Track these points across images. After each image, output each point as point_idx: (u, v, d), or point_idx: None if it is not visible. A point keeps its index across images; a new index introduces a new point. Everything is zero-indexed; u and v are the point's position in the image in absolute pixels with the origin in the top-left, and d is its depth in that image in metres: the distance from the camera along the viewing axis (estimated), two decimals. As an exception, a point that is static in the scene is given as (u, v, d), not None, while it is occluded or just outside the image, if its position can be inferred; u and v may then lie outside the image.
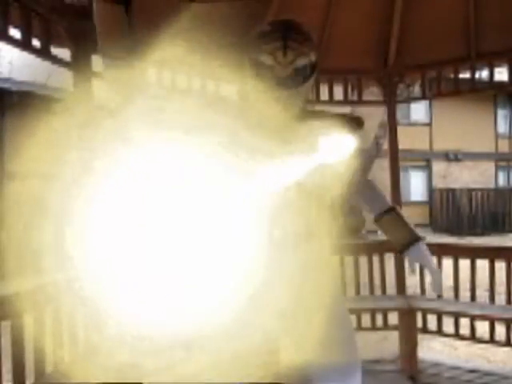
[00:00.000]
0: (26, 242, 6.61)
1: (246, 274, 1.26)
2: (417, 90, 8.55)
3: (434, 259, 3.31)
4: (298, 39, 1.24)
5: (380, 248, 3.54)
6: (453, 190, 14.54)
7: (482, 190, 14.64)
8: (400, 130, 3.58)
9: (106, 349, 2.33)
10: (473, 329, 3.14)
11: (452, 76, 3.40)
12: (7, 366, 1.88)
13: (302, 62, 1.23)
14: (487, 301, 3.20)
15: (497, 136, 17.19)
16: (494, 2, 3.06)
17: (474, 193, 14.27)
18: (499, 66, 3.29)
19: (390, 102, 3.49)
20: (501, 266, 3.12)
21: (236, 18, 1.99)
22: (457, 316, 3.16)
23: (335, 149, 1.20)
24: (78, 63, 2.48)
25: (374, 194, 1.59)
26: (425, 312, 3.21)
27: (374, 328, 3.42)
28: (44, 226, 6.71)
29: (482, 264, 3.21)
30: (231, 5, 2.01)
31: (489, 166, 17.00)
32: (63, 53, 2.43)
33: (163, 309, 1.57)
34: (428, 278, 1.74)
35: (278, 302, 1.30)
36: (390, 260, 3.46)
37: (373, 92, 3.73)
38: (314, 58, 1.28)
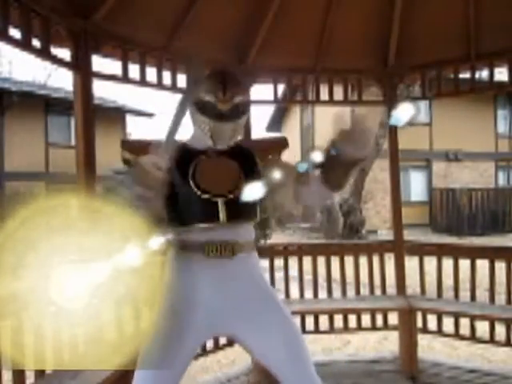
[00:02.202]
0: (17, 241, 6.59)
1: None
2: (417, 90, 8.55)
3: (434, 258, 3.35)
4: (233, 82, 1.62)
5: (380, 248, 3.54)
6: (453, 190, 14.51)
7: (481, 189, 14.60)
8: (400, 130, 3.58)
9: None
10: (473, 329, 3.14)
11: (452, 76, 3.40)
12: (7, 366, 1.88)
13: (237, 99, 1.60)
14: (487, 301, 3.20)
15: (497, 136, 17.17)
16: (494, 3, 3.06)
17: (473, 193, 14.24)
18: (499, 66, 3.29)
19: (390, 102, 3.49)
20: (501, 266, 3.12)
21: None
22: (457, 316, 3.16)
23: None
24: (78, 63, 2.48)
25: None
26: (425, 312, 3.22)
27: (374, 328, 3.42)
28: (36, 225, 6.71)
29: (482, 264, 3.21)
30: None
31: (489, 166, 16.97)
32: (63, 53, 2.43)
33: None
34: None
35: None
36: (390, 260, 3.47)
37: (373, 92, 3.73)
38: (247, 98, 1.68)
